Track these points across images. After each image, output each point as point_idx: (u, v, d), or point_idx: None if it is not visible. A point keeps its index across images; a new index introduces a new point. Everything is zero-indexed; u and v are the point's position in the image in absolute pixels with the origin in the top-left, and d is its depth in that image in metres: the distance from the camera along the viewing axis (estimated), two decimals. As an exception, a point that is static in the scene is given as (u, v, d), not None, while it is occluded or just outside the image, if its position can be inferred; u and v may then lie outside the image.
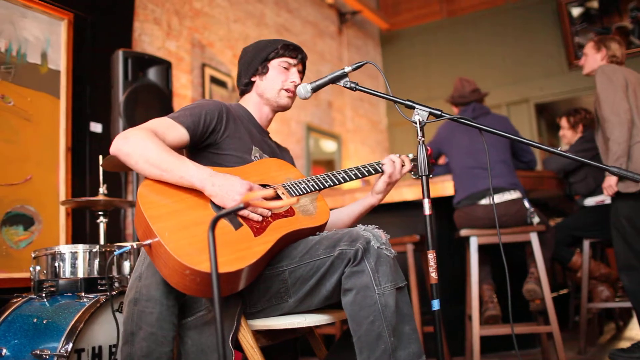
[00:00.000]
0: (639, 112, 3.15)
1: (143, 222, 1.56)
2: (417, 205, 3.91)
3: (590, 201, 3.98)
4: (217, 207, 1.66)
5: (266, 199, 1.78)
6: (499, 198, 3.27)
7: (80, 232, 3.48)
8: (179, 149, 1.82)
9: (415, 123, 1.78)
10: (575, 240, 3.99)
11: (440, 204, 3.70)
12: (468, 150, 3.42)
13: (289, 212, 1.80)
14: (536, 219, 3.17)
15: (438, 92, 7.73)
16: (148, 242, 1.54)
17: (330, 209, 2.14)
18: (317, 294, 1.70)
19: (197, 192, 1.66)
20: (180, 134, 1.78)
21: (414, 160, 2.11)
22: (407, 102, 1.82)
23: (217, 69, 5.10)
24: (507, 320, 3.54)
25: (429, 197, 1.77)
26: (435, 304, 1.73)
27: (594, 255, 4.09)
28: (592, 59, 3.44)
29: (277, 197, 1.87)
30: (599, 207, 3.92)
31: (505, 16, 7.60)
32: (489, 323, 3.35)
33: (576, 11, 7.18)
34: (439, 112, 1.79)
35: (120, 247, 2.29)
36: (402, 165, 2.08)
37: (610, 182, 3.15)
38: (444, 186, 3.68)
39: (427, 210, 1.76)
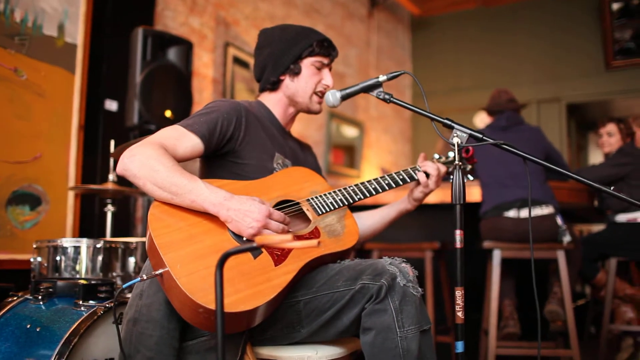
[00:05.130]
0: None
1: (153, 249, 1.43)
2: (439, 208, 3.74)
3: (622, 217, 3.79)
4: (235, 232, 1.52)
5: (289, 214, 1.65)
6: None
7: (89, 215, 3.35)
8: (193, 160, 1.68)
9: (453, 145, 1.60)
10: (601, 256, 3.82)
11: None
12: (499, 160, 3.24)
13: (314, 234, 1.65)
14: (567, 238, 2.99)
15: (467, 82, 7.50)
16: (159, 272, 1.41)
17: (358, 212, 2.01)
18: (332, 327, 1.56)
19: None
20: (194, 144, 1.62)
21: (449, 163, 1.98)
22: (445, 121, 1.64)
23: (241, 49, 4.91)
24: (524, 338, 3.39)
25: (461, 227, 1.60)
26: (460, 346, 1.57)
27: (618, 272, 3.90)
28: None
29: (301, 213, 1.73)
30: (631, 225, 3.73)
31: (543, 10, 7.24)
32: (506, 339, 3.22)
33: (616, 6, 6.82)
34: (481, 136, 1.61)
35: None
36: (438, 172, 1.94)
37: None
38: (468, 191, 3.51)
39: (458, 243, 1.59)
